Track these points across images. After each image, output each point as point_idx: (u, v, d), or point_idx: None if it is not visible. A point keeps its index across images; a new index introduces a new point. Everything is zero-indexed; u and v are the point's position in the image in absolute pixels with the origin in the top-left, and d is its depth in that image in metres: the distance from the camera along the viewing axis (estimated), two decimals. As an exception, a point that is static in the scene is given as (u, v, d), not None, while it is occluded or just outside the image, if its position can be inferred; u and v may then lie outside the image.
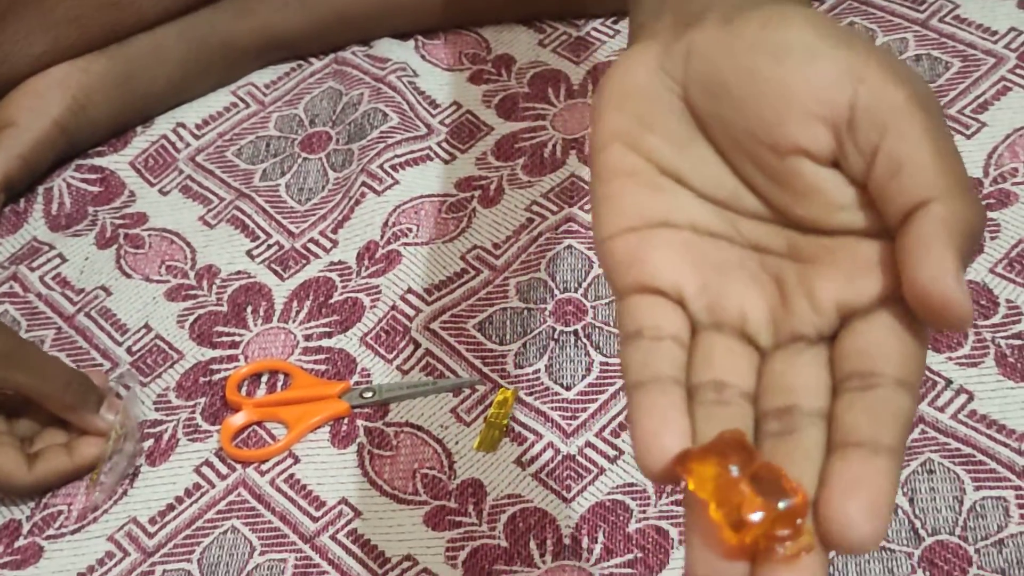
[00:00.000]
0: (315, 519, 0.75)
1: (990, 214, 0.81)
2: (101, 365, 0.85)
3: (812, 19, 0.45)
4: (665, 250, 0.46)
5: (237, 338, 0.85)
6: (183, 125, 0.99)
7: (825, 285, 0.44)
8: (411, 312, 0.84)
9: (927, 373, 0.75)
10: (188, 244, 0.92)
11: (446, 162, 0.94)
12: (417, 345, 0.82)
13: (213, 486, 0.78)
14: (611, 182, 0.48)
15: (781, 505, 0.40)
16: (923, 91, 0.44)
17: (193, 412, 0.82)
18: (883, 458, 0.41)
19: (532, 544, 0.72)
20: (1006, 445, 0.71)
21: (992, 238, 0.80)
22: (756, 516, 0.39)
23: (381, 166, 0.93)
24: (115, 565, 0.75)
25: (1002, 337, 0.76)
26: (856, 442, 0.41)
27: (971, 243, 0.42)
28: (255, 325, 0.86)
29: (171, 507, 0.77)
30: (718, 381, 0.44)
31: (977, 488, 0.69)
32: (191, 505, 0.77)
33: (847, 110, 0.43)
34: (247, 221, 0.93)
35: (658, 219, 0.47)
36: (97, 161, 0.98)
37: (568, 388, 0.79)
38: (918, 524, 0.68)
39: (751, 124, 0.45)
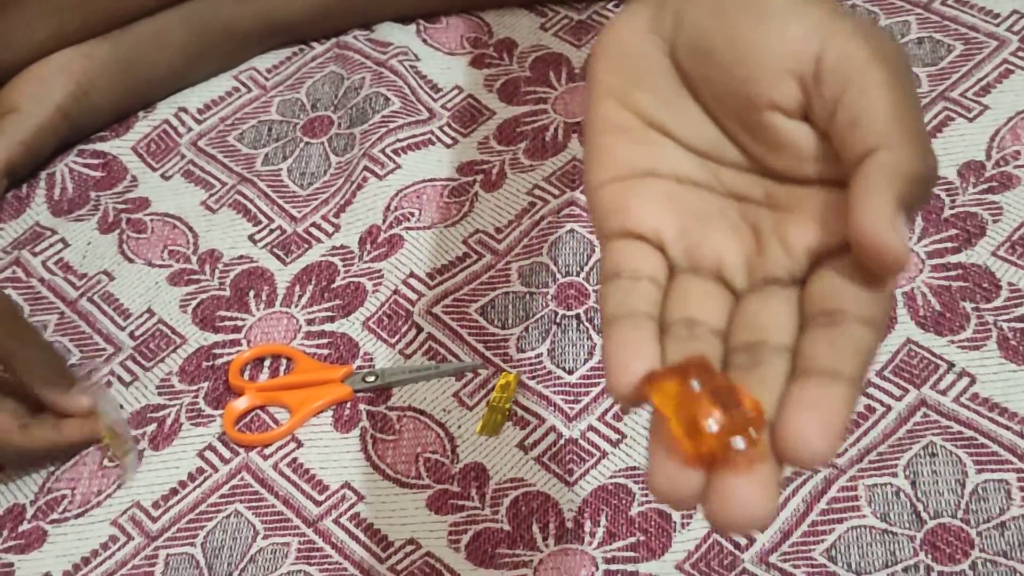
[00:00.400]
0: (318, 503, 0.76)
1: (992, 197, 0.81)
2: (104, 350, 0.85)
3: None
4: (648, 198, 0.49)
5: (240, 323, 0.85)
6: (185, 110, 0.99)
7: (797, 231, 0.47)
8: (413, 296, 0.84)
9: (929, 356, 0.75)
10: (190, 229, 0.92)
11: (448, 146, 0.94)
12: (419, 329, 0.83)
13: (216, 470, 0.78)
14: (603, 135, 0.51)
15: (737, 415, 0.42)
16: (889, 47, 0.46)
17: (196, 396, 0.82)
18: (841, 385, 0.43)
19: (535, 528, 0.72)
20: (1008, 428, 0.71)
21: (994, 221, 0.80)
22: (712, 424, 0.41)
23: (383, 150, 0.93)
24: (119, 549, 0.75)
25: (1004, 320, 0.76)
26: (817, 370, 0.43)
27: (917, 190, 0.44)
28: (257, 310, 0.86)
29: (174, 491, 0.78)
30: (691, 319, 0.46)
31: (979, 471, 0.70)
32: (194, 489, 0.77)
33: (813, 64, 0.46)
34: (249, 206, 0.93)
35: (644, 169, 0.50)
36: (99, 146, 0.98)
37: (570, 372, 0.79)
38: (920, 507, 0.69)
39: (732, 82, 0.48)
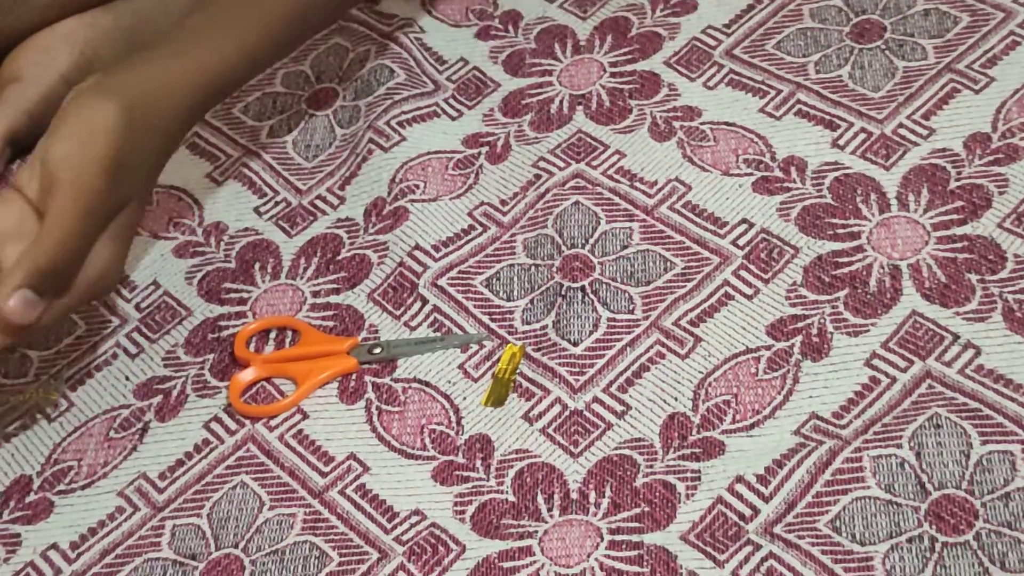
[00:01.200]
0: (324, 474, 0.76)
1: (998, 169, 0.81)
2: (110, 321, 0.85)
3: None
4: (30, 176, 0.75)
5: (245, 295, 0.85)
6: (190, 82, 0.99)
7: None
8: (419, 268, 0.84)
9: (935, 328, 0.75)
10: (196, 201, 0.92)
11: (453, 119, 0.94)
12: (425, 301, 0.83)
13: (222, 442, 0.78)
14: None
15: None
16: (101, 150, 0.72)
17: (202, 368, 0.82)
18: None
19: (540, 499, 0.72)
20: (1013, 400, 0.71)
21: (1000, 193, 0.80)
22: None
23: (388, 123, 0.93)
24: (125, 520, 0.76)
25: (1009, 292, 0.76)
26: None
27: (45, 279, 0.71)
28: (263, 282, 0.86)
29: (180, 463, 0.78)
30: None
31: (984, 442, 0.70)
32: (200, 460, 0.78)
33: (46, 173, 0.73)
34: (254, 178, 0.93)
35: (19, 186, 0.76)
36: (104, 118, 0.98)
37: (575, 344, 0.79)
38: (925, 478, 0.69)
39: None
